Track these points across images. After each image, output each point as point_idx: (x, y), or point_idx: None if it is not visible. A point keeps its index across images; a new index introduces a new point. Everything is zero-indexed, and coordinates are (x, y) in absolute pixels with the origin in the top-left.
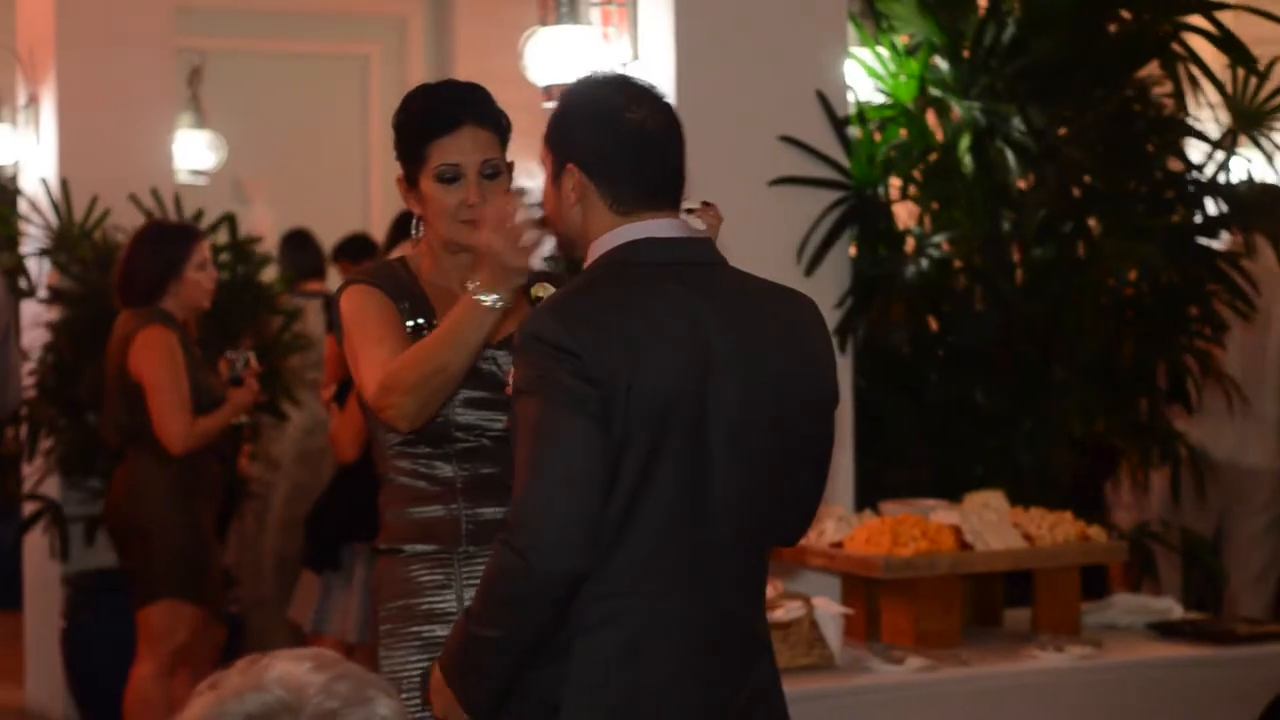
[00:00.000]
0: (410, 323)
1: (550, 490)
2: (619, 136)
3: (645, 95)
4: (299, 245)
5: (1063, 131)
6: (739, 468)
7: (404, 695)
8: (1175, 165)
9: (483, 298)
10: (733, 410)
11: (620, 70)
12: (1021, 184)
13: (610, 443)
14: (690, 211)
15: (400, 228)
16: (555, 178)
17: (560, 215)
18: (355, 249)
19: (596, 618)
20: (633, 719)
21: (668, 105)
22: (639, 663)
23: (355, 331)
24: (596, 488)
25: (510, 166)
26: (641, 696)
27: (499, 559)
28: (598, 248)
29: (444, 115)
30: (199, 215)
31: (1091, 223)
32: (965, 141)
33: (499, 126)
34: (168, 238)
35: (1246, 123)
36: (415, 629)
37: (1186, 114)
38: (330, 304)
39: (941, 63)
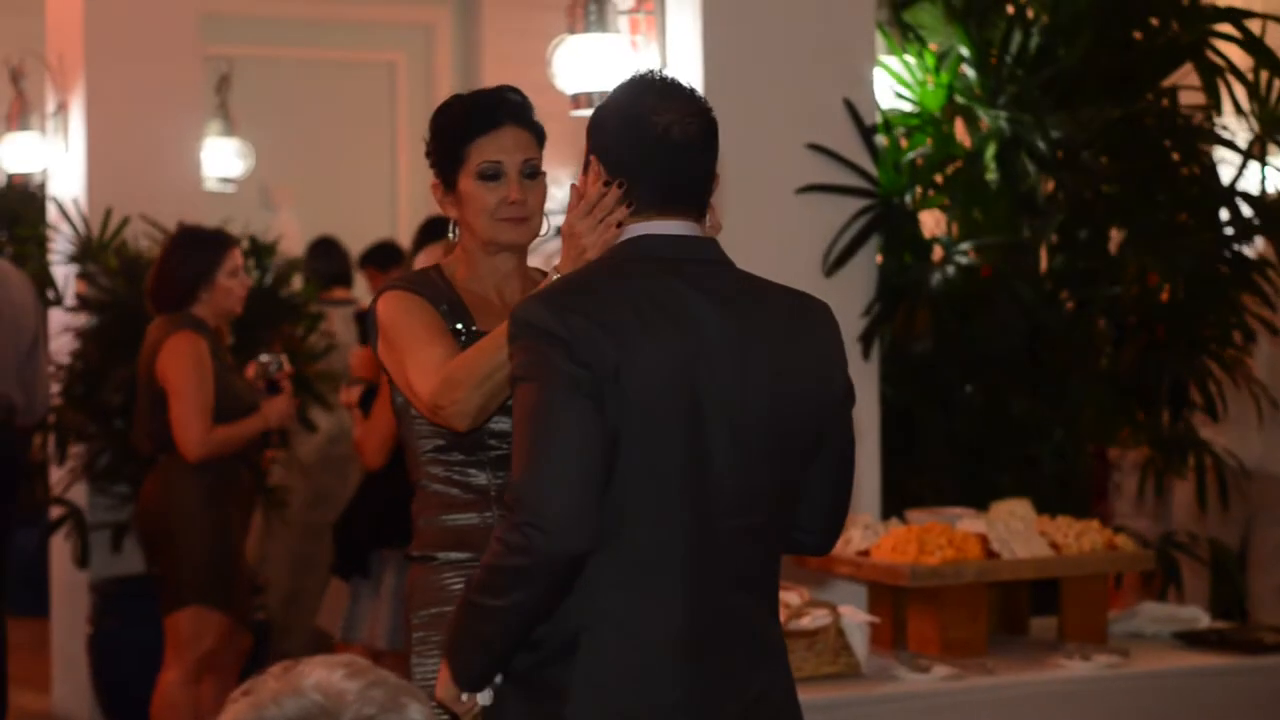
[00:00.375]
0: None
1: (550, 470)
2: (641, 139)
3: (679, 101)
4: (324, 253)
5: (1083, 140)
6: (739, 466)
7: (436, 703)
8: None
9: None
10: (729, 407)
11: (668, 74)
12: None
13: (606, 422)
14: None
15: (426, 234)
16: (585, 166)
17: (585, 193)
18: (382, 256)
19: (601, 612)
20: (635, 715)
21: (703, 113)
22: (640, 659)
23: (401, 336)
24: (595, 466)
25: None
26: (643, 693)
27: (502, 535)
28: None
29: (486, 115)
30: (224, 223)
31: (1116, 232)
32: (991, 150)
33: (537, 130)
34: (200, 244)
35: (1275, 130)
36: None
37: (1213, 122)
38: (365, 312)
39: (969, 71)
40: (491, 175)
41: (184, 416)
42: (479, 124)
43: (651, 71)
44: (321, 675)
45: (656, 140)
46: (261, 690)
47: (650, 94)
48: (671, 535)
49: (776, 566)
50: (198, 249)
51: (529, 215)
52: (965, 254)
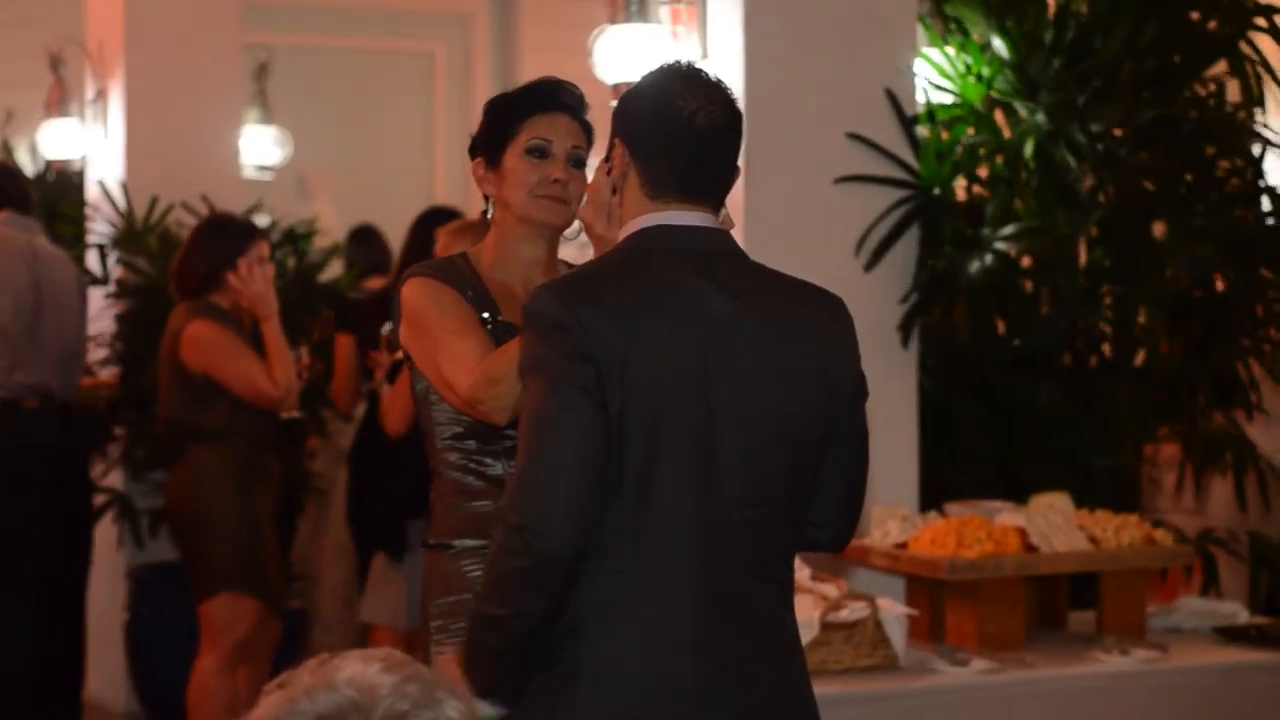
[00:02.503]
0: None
1: (545, 469)
2: (665, 124)
3: (705, 88)
4: (364, 241)
5: (1118, 133)
6: (748, 457)
7: None
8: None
9: None
10: (738, 399)
11: (696, 62)
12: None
13: (609, 420)
14: None
15: (421, 227)
16: (609, 150)
17: (599, 187)
18: None
19: (609, 598)
20: (642, 707)
21: (729, 103)
22: (648, 645)
23: (432, 326)
24: (592, 465)
25: None
26: (651, 679)
27: (500, 538)
28: (624, 232)
29: (545, 96)
30: (254, 208)
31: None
32: (1030, 145)
33: (588, 127)
34: (226, 233)
35: None
36: (466, 625)
37: (1254, 116)
38: (389, 297)
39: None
40: (539, 152)
41: (250, 390)
42: (537, 103)
43: (679, 60)
44: (356, 669)
45: (681, 126)
46: (295, 684)
47: (678, 81)
48: (681, 523)
49: (790, 559)
50: (223, 237)
51: (568, 199)
52: (1003, 241)
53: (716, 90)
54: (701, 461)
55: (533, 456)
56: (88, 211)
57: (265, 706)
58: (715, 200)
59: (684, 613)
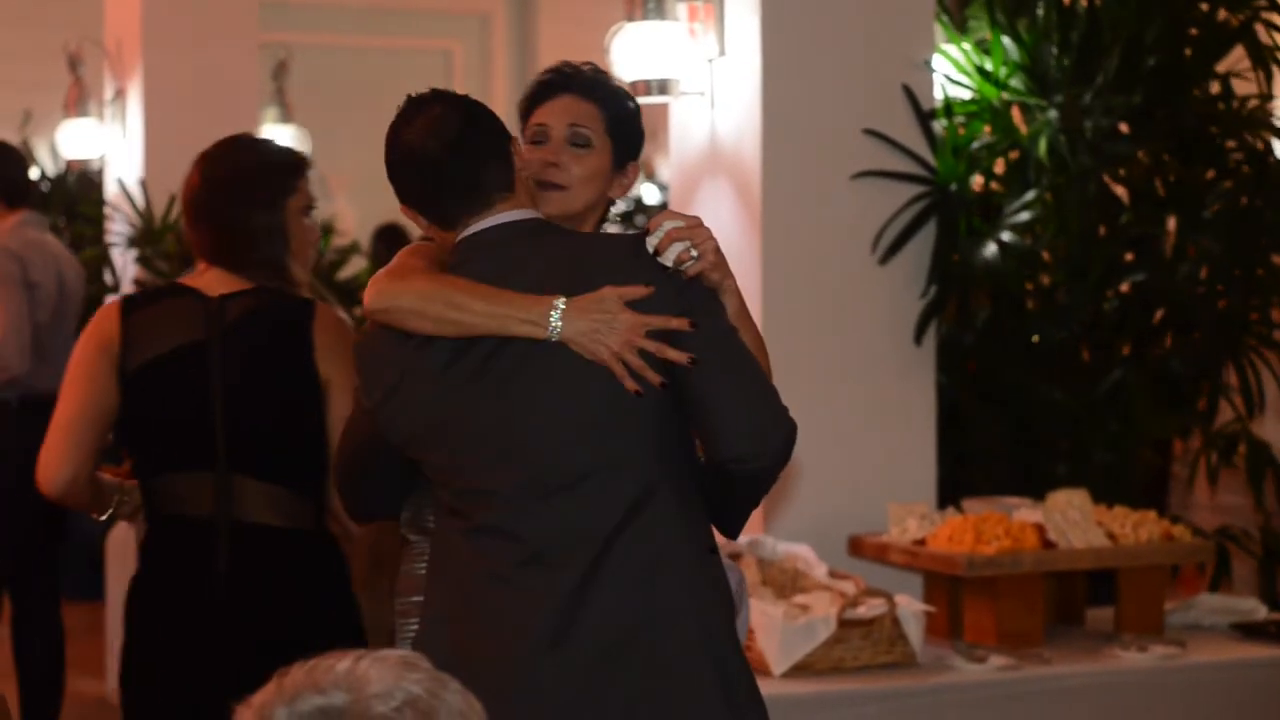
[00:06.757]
0: None
1: (340, 466)
2: (394, 159)
3: (423, 112)
4: (390, 239)
5: (1124, 128)
6: (546, 430)
7: None
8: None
9: (551, 320)
10: (519, 376)
11: (438, 87)
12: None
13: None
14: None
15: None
16: None
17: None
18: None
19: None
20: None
21: (446, 117)
22: (476, 584)
23: None
24: (359, 467)
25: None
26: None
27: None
28: None
29: (548, 84)
30: None
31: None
32: (1043, 143)
33: (603, 101)
34: None
35: None
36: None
37: (1266, 109)
38: None
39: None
40: (537, 139)
41: None
42: (541, 93)
43: (409, 97)
44: (348, 666)
45: (406, 156)
46: (289, 681)
47: (403, 112)
48: (498, 510)
49: (664, 506)
50: None
51: (566, 184)
52: (1009, 230)
53: (434, 108)
54: (504, 446)
55: (337, 451)
56: (107, 211)
57: (257, 700)
58: (479, 209)
59: (505, 557)
